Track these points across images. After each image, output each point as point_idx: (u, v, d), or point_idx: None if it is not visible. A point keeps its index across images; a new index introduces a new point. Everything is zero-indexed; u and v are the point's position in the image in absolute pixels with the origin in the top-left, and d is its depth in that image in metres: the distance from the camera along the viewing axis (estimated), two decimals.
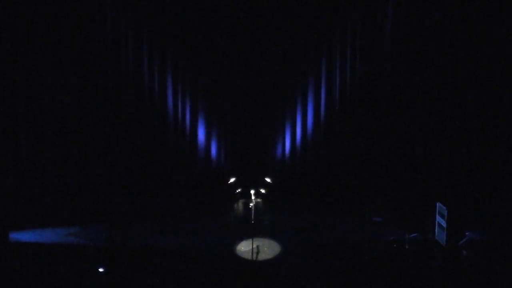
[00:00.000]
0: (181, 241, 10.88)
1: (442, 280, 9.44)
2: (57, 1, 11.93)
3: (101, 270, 9.39)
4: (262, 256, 10.16)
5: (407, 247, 10.42)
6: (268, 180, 12.88)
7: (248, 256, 10.15)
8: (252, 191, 10.80)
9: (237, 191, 13.13)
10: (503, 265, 9.75)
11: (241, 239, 10.83)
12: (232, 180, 12.94)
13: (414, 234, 10.83)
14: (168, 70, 12.88)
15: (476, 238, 10.70)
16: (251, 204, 10.45)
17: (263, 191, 12.78)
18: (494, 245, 10.53)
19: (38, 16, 11.84)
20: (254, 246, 10.16)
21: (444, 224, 10.52)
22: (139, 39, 12.58)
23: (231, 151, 13.40)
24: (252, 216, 10.27)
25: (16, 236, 11.02)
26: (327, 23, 12.66)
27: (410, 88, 12.54)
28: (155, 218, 12.07)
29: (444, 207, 10.56)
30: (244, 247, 10.52)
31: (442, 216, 10.61)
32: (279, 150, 13.36)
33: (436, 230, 10.80)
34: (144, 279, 9.25)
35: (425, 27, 12.21)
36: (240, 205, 13.00)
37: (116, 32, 12.42)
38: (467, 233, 10.70)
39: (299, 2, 12.56)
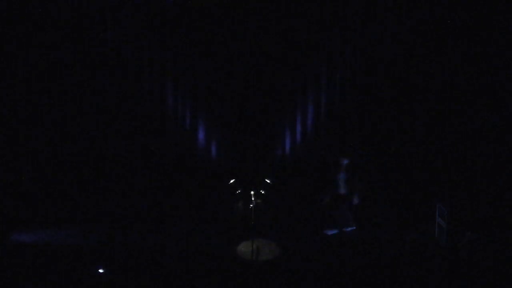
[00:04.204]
0: (181, 242, 10.88)
1: (442, 280, 9.43)
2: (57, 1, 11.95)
3: (101, 271, 9.38)
4: (262, 257, 10.16)
5: (407, 248, 10.43)
6: (268, 181, 12.85)
7: (248, 257, 10.15)
8: (252, 192, 10.79)
9: (237, 191, 13.10)
10: (503, 266, 9.75)
11: (241, 240, 10.82)
12: (232, 181, 12.92)
13: (414, 235, 10.84)
14: (168, 70, 12.84)
15: (476, 239, 10.69)
16: (251, 205, 10.45)
17: (263, 192, 12.76)
18: (494, 245, 10.52)
19: (37, 15, 11.86)
20: (254, 247, 10.16)
21: (444, 224, 10.52)
22: (139, 39, 12.55)
23: (231, 151, 13.37)
24: (252, 217, 10.27)
25: (16, 236, 11.03)
26: (327, 23, 12.64)
27: (411, 88, 12.51)
28: (155, 219, 12.07)
29: (444, 208, 10.56)
30: (244, 248, 10.52)
31: (442, 216, 10.61)
32: (279, 151, 13.33)
33: (436, 231, 10.80)
34: None
35: (428, 27, 12.21)
36: (240, 206, 12.97)
37: (115, 32, 12.41)
38: (467, 234, 10.70)
39: (299, 2, 12.54)
